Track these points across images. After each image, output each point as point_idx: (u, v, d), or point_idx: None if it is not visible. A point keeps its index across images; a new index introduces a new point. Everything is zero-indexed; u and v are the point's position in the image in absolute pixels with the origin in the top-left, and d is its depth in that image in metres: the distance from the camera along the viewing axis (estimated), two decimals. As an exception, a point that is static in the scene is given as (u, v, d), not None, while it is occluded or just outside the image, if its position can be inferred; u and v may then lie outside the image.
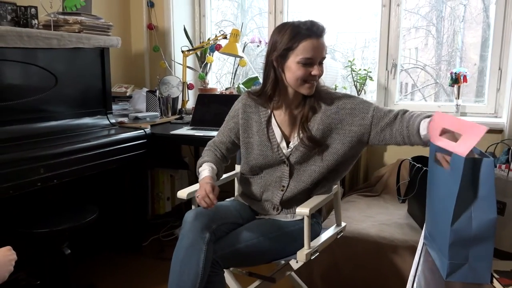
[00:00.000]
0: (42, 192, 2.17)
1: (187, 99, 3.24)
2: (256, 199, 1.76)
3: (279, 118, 1.69)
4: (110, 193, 2.66)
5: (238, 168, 1.94)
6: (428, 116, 1.43)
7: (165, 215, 3.17)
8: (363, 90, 2.92)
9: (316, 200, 1.63)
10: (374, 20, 2.96)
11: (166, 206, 3.15)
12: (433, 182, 1.14)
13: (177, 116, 3.09)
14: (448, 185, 0.99)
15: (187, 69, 3.22)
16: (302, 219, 1.60)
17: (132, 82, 3.35)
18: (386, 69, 2.89)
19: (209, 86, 3.31)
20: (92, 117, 2.53)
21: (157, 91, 3.03)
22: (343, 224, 1.93)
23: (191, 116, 2.90)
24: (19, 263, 1.26)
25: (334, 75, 2.84)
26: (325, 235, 1.78)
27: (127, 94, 3.15)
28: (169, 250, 1.62)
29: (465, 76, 2.64)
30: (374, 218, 2.30)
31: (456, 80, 2.66)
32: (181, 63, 3.20)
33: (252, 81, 3.13)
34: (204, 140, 2.44)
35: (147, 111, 2.99)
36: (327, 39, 1.60)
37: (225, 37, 3.03)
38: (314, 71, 1.55)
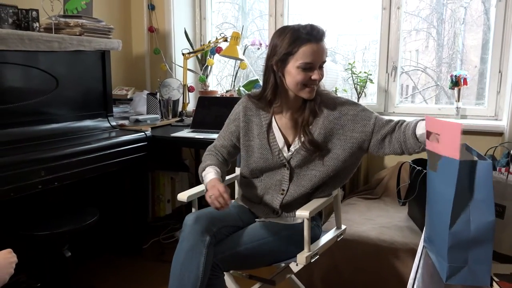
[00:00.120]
0: (42, 195, 2.17)
1: (187, 101, 3.24)
2: (256, 202, 1.76)
3: (280, 122, 1.69)
4: (110, 196, 2.66)
5: (238, 170, 1.94)
6: (423, 120, 1.44)
7: (165, 218, 3.17)
8: (363, 93, 2.92)
9: (316, 203, 1.63)
10: (374, 22, 2.97)
11: (167, 208, 3.15)
12: (431, 185, 1.14)
13: (177, 119, 3.09)
14: (445, 188, 0.99)
15: (188, 71, 3.22)
16: (302, 222, 1.60)
17: (132, 84, 3.36)
18: (386, 71, 2.89)
19: (210, 88, 3.32)
20: (93, 119, 2.54)
21: (158, 94, 3.03)
22: (343, 227, 1.93)
23: (191, 118, 2.91)
24: (20, 266, 1.26)
25: (334, 78, 2.85)
26: (325, 238, 1.78)
27: (128, 97, 3.15)
28: (170, 253, 1.62)
29: (465, 79, 2.65)
30: (374, 220, 2.30)
31: (456, 82, 2.66)
32: (182, 65, 3.20)
33: (252, 83, 3.13)
34: (205, 143, 2.45)
35: (147, 113, 3.00)
36: (328, 41, 1.60)
37: (225, 40, 3.04)
38: (314, 76, 1.55)
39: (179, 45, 3.36)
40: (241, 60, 3.05)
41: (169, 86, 3.13)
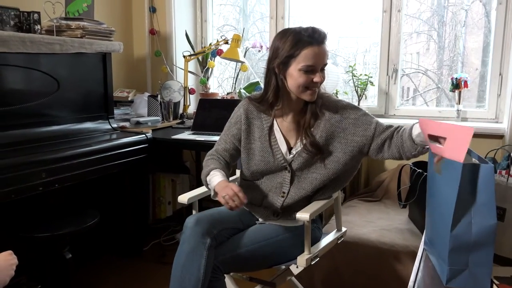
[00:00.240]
0: (43, 197, 2.18)
1: (188, 103, 3.25)
2: (257, 204, 1.76)
3: (281, 124, 1.69)
4: (111, 198, 2.66)
5: (238, 173, 1.94)
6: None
7: (166, 220, 3.17)
8: (364, 95, 2.93)
9: (316, 206, 1.63)
10: (375, 25, 2.97)
11: (167, 210, 3.16)
12: (432, 187, 1.14)
13: (178, 121, 3.10)
14: (447, 191, 0.99)
15: (189, 74, 3.23)
16: (303, 224, 1.60)
17: (133, 86, 3.37)
18: (387, 74, 2.90)
19: (211, 90, 3.32)
20: (94, 121, 2.54)
21: (159, 96, 3.04)
22: (343, 229, 1.93)
23: (192, 120, 2.91)
24: (20, 267, 1.26)
25: (335, 80, 2.85)
26: (325, 240, 1.78)
27: (129, 99, 3.16)
28: (170, 255, 1.62)
29: (465, 81, 2.65)
30: (375, 223, 2.30)
31: (456, 85, 2.66)
32: (183, 68, 3.21)
33: (253, 86, 3.13)
34: (205, 145, 2.46)
35: (148, 115, 3.00)
36: (329, 44, 1.60)
37: (226, 42, 3.05)
38: (316, 78, 1.55)
39: (180, 47, 3.37)
40: (242, 62, 3.05)
41: (170, 88, 3.14)
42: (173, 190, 3.17)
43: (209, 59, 3.27)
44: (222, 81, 3.60)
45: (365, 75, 2.91)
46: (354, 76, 2.92)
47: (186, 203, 1.71)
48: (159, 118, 2.97)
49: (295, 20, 3.22)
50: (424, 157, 1.75)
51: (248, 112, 1.72)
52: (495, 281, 0.99)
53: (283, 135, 1.68)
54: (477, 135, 2.52)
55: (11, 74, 2.12)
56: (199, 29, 3.51)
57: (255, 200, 1.76)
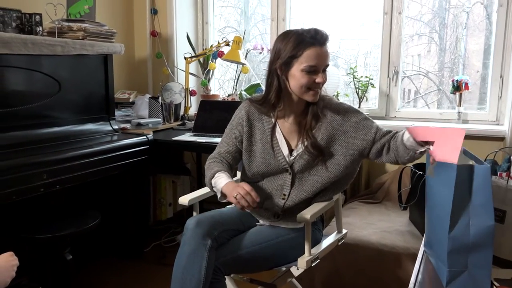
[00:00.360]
0: (44, 198, 2.18)
1: (189, 105, 3.25)
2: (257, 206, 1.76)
3: (283, 126, 1.70)
4: (112, 199, 2.67)
5: (239, 175, 1.94)
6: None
7: (167, 221, 3.17)
8: (365, 97, 2.93)
9: (317, 207, 1.63)
10: (376, 27, 2.97)
11: (168, 212, 3.16)
12: (430, 189, 1.14)
13: (179, 122, 3.10)
14: (444, 193, 0.99)
15: (190, 75, 3.24)
16: (303, 226, 1.60)
17: (135, 88, 3.37)
18: (388, 76, 2.90)
19: (212, 92, 3.33)
20: (95, 123, 2.54)
21: (160, 98, 3.04)
22: (344, 231, 1.93)
23: (193, 122, 2.91)
24: (21, 268, 1.27)
25: (336, 83, 2.85)
26: (326, 242, 1.78)
27: (130, 100, 3.16)
28: (171, 256, 1.62)
29: (466, 84, 2.65)
30: (376, 225, 2.30)
31: (457, 87, 2.66)
32: (184, 69, 3.22)
33: (254, 87, 3.14)
34: (206, 147, 2.46)
35: (149, 117, 3.00)
36: (330, 46, 1.61)
37: (227, 44, 3.05)
38: (318, 79, 1.56)
39: (181, 49, 3.37)
40: (243, 64, 3.06)
41: (171, 90, 3.15)
42: (174, 191, 3.17)
43: (210, 61, 3.27)
44: (223, 83, 3.61)
45: (366, 77, 2.92)
46: (355, 78, 2.92)
47: (187, 204, 1.71)
48: (160, 119, 2.98)
49: (296, 22, 3.22)
50: (424, 159, 1.76)
51: (249, 114, 1.73)
52: (495, 283, 1.00)
53: (284, 137, 1.69)
54: (478, 137, 2.53)
55: (12, 75, 2.13)
56: (200, 31, 3.52)
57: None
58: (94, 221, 2.15)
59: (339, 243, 1.88)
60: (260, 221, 1.77)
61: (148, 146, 2.59)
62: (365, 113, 1.70)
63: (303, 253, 1.60)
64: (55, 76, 2.31)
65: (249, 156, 1.72)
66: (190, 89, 3.27)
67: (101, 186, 2.60)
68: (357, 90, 2.92)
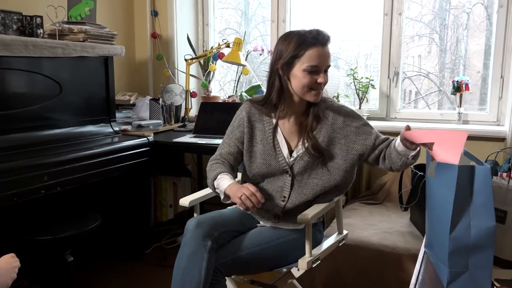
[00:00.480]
0: (45, 200, 2.18)
1: (190, 107, 3.26)
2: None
3: (283, 127, 1.70)
4: (113, 201, 2.67)
5: (239, 176, 1.94)
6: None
7: (167, 223, 3.17)
8: (365, 98, 2.93)
9: (317, 208, 1.63)
10: (377, 28, 2.98)
11: (169, 213, 3.16)
12: (431, 190, 1.14)
13: (180, 124, 3.10)
14: (445, 194, 0.99)
15: (190, 77, 3.24)
16: (304, 228, 1.60)
17: (135, 90, 3.38)
18: (388, 77, 2.90)
19: (212, 94, 3.33)
20: (96, 125, 2.55)
21: (160, 99, 3.05)
22: (344, 232, 1.93)
23: (194, 124, 2.92)
24: (22, 270, 1.27)
25: (336, 84, 2.85)
26: (326, 243, 1.78)
27: (131, 102, 3.17)
28: (172, 258, 1.62)
29: (467, 84, 2.65)
30: (376, 226, 2.30)
31: (458, 88, 2.66)
32: (184, 71, 3.22)
33: (255, 89, 3.14)
34: (207, 148, 2.46)
35: (150, 119, 3.01)
36: (331, 47, 1.61)
37: (228, 46, 3.05)
38: (320, 79, 1.56)
39: (181, 51, 3.38)
40: (244, 65, 3.06)
41: (171, 91, 3.15)
42: (174, 193, 3.17)
43: (210, 63, 3.27)
44: (223, 84, 3.61)
45: (367, 78, 2.92)
46: (356, 79, 2.92)
47: (188, 206, 1.71)
48: (160, 121, 2.98)
49: (297, 23, 3.22)
50: (425, 160, 1.76)
51: (250, 115, 1.73)
52: (495, 283, 0.99)
53: (284, 138, 1.69)
54: (478, 138, 2.52)
55: (13, 77, 2.13)
56: (200, 33, 3.52)
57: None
58: (95, 223, 2.15)
59: (340, 244, 1.88)
60: (260, 222, 1.77)
61: (148, 148, 2.59)
62: (366, 115, 1.70)
63: (304, 254, 1.60)
64: (56, 78, 2.31)
65: (250, 157, 1.72)
66: (191, 91, 3.27)
67: (102, 188, 2.60)
68: (357, 91, 2.92)
